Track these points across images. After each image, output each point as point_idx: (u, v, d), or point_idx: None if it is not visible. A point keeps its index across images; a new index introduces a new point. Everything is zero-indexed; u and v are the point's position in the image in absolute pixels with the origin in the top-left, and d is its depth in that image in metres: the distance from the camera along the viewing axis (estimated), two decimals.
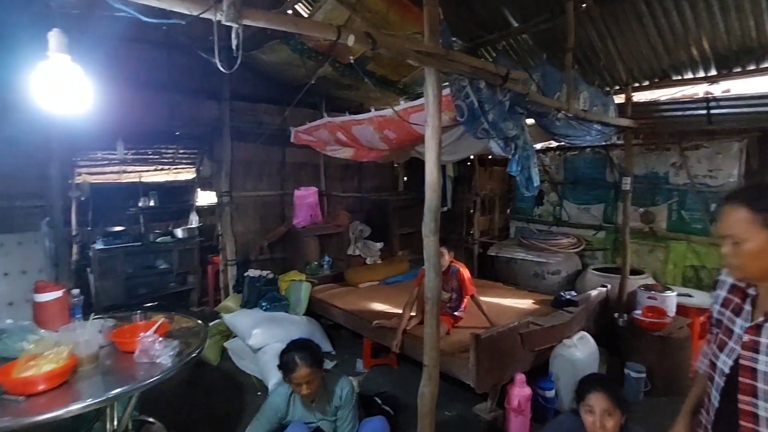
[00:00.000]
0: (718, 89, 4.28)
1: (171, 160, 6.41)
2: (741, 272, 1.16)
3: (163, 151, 6.14)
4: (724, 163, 4.14)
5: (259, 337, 3.56)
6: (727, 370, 1.17)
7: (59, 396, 1.75)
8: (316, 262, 5.16)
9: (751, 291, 1.19)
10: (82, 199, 5.31)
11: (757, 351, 1.11)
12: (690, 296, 3.76)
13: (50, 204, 3.75)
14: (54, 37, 1.27)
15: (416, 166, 6.22)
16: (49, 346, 1.91)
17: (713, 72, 4.16)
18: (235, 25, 1.45)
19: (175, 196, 6.65)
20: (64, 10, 1.23)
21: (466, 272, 3.34)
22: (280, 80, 4.90)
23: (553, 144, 5.21)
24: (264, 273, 4.38)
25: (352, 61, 3.86)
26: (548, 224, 5.54)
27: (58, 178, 3.79)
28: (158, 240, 5.79)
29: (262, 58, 4.37)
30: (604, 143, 4.68)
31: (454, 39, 4.89)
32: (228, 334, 4.02)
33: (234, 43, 1.47)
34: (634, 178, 4.30)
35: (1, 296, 3.42)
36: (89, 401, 1.73)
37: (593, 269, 4.49)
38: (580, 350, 2.98)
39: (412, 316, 3.31)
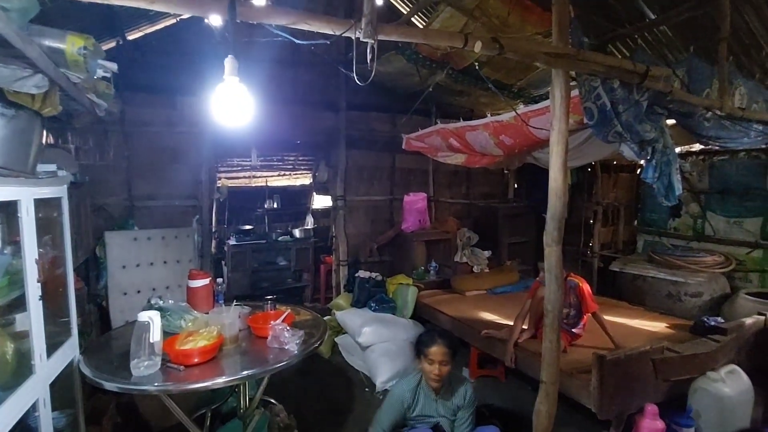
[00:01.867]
0: None
1: (292, 166, 7.06)
2: None
3: (286, 157, 6.78)
4: None
5: (368, 336, 3.71)
6: None
7: (209, 369, 2.02)
8: (422, 267, 5.21)
9: None
10: (221, 200, 6.11)
11: None
12: None
13: (200, 204, 4.40)
14: (229, 62, 1.50)
15: (529, 173, 5.96)
16: (202, 325, 2.22)
17: None
18: (371, 41, 1.54)
19: (295, 200, 7.30)
20: (236, 38, 1.43)
21: (586, 287, 3.08)
22: (391, 89, 5.07)
23: (696, 147, 4.57)
24: (373, 275, 4.55)
25: (475, 66, 3.84)
26: (686, 239, 4.85)
27: (206, 182, 4.44)
28: (279, 239, 6.41)
29: (378, 69, 4.57)
30: (765, 146, 3.97)
31: (584, 38, 4.62)
32: (338, 329, 4.25)
33: (369, 57, 1.57)
34: None
35: (161, 280, 4.07)
36: (231, 377, 1.97)
37: (746, 293, 3.82)
38: (729, 386, 2.55)
39: (523, 329, 3.16)
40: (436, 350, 2.16)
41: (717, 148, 3.87)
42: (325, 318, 4.34)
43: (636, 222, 5.48)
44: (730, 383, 2.57)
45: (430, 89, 4.85)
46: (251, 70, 2.42)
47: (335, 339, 4.24)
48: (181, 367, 1.98)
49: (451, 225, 5.30)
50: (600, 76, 2.10)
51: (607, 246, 5.41)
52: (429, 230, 5.30)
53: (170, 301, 2.60)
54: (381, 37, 1.58)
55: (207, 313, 2.44)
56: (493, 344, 3.28)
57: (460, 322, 3.80)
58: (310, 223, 7.19)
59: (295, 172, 7.26)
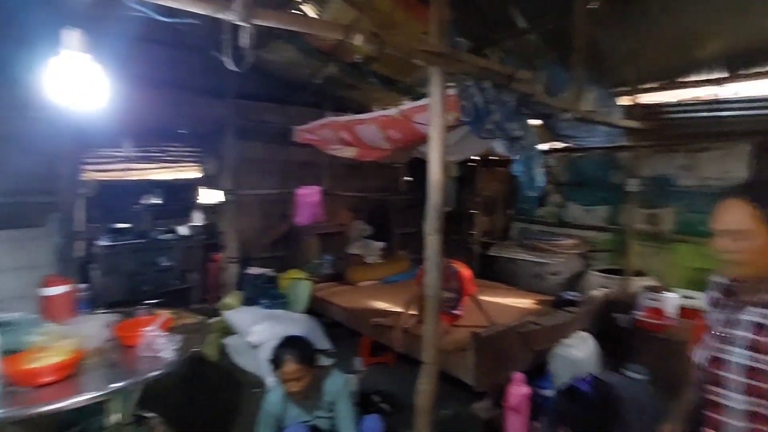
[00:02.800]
0: (726, 91, 4.27)
1: (176, 158, 6.46)
2: (739, 268, 1.17)
3: (168, 149, 6.18)
4: (733, 165, 4.12)
5: (258, 334, 3.58)
6: (705, 364, 1.21)
7: (65, 388, 1.77)
8: (317, 261, 5.18)
9: (733, 287, 1.22)
10: (89, 196, 5.35)
11: (729, 343, 1.14)
12: (694, 299, 3.75)
13: (59, 200, 3.79)
14: (68, 34, 1.29)
15: (419, 167, 6.23)
16: (56, 339, 1.93)
17: (722, 74, 4.14)
18: (246, 25, 1.46)
19: (180, 194, 6.67)
20: (81, 8, 1.24)
21: (466, 272, 3.35)
22: (284, 79, 4.92)
23: (559, 145, 5.20)
24: (265, 271, 4.41)
25: (359, 60, 3.87)
26: (551, 225, 5.54)
27: (68, 175, 3.84)
28: (162, 237, 5.82)
29: (267, 58, 4.39)
30: (610, 145, 4.67)
31: (460, 39, 4.93)
32: (228, 331, 4.04)
33: (244, 42, 1.48)
34: (640, 180, 4.30)
35: (11, 290, 3.45)
36: (93, 394, 1.75)
37: (595, 270, 4.49)
38: (580, 350, 2.99)
39: (412, 315, 3.32)
40: (287, 370, 2.11)
41: (573, 145, 4.44)
42: (213, 319, 4.12)
43: (511, 211, 6.10)
44: (581, 348, 3.01)
45: (322, 82, 4.80)
46: (112, 48, 2.14)
47: (223, 341, 4.02)
48: (28, 389, 1.71)
49: (345, 218, 5.35)
50: (473, 76, 2.27)
51: (487, 234, 5.93)
52: (323, 223, 5.28)
53: (16, 314, 2.23)
54: (257, 22, 1.50)
55: (65, 325, 2.14)
56: (383, 332, 3.40)
57: (352, 312, 3.87)
58: (198, 219, 6.66)
59: (180, 165, 6.66)
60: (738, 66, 4.00)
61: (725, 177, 4.13)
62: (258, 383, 3.45)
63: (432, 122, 2.09)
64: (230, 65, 1.47)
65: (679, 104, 4.44)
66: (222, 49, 1.47)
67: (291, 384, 2.11)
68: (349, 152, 4.55)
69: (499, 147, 2.72)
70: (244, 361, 3.78)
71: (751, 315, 1.14)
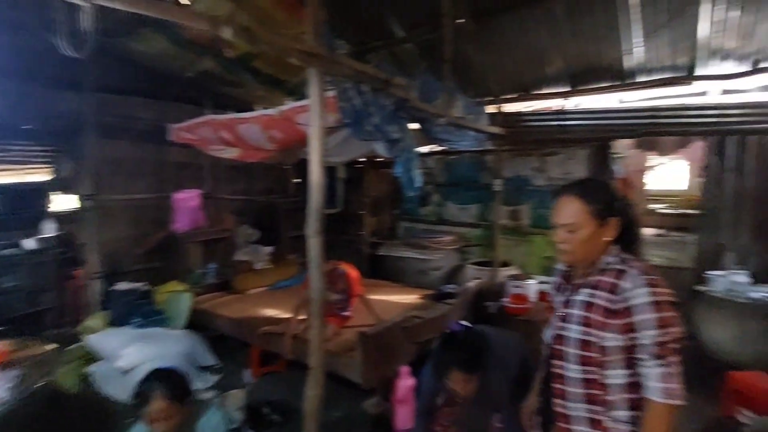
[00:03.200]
0: (570, 103, 5.00)
1: (20, 159, 5.44)
2: (571, 257, 1.36)
3: (10, 147, 5.19)
4: (574, 167, 4.83)
5: (130, 358, 3.21)
6: (550, 341, 1.40)
7: None
8: (199, 270, 4.81)
9: (569, 273, 1.43)
10: None
11: (567, 321, 1.34)
12: (549, 284, 4.31)
13: None
14: None
15: (308, 168, 6.15)
16: None
17: (566, 88, 4.84)
18: (83, 4, 1.28)
19: (26, 201, 5.65)
20: None
21: (353, 273, 3.40)
22: (157, 72, 4.47)
23: (436, 148, 5.57)
24: (137, 286, 3.96)
25: (236, 56, 3.69)
26: (432, 224, 5.91)
27: None
28: (2, 253, 4.86)
29: (134, 48, 3.94)
30: (478, 149, 5.15)
31: (341, 42, 4.98)
32: (92, 357, 3.54)
33: (84, 24, 1.31)
34: (503, 180, 4.81)
35: None
36: None
37: (470, 264, 4.90)
38: None
39: (301, 320, 3.27)
40: (154, 408, 1.78)
41: (447, 148, 4.80)
42: (72, 346, 3.57)
43: (397, 211, 6.37)
44: None
45: (201, 77, 4.48)
46: None
47: (87, 369, 3.50)
48: None
49: (229, 222, 5.06)
50: (351, 79, 2.31)
51: (376, 234, 6.11)
52: (205, 229, 4.91)
53: None
54: (101, 2, 1.33)
55: None
56: (273, 339, 3.29)
57: (240, 323, 3.67)
58: (49, 230, 5.70)
59: (25, 166, 5.63)
60: (578, 82, 4.71)
61: (568, 177, 4.82)
62: (130, 413, 3.08)
63: (312, 123, 2.08)
64: (67, 50, 1.28)
65: (533, 113, 5.09)
66: (55, 31, 1.27)
67: (158, 424, 1.79)
68: (231, 153, 4.30)
69: (380, 149, 2.81)
70: (114, 389, 3.33)
71: (582, 295, 1.33)
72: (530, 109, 5.19)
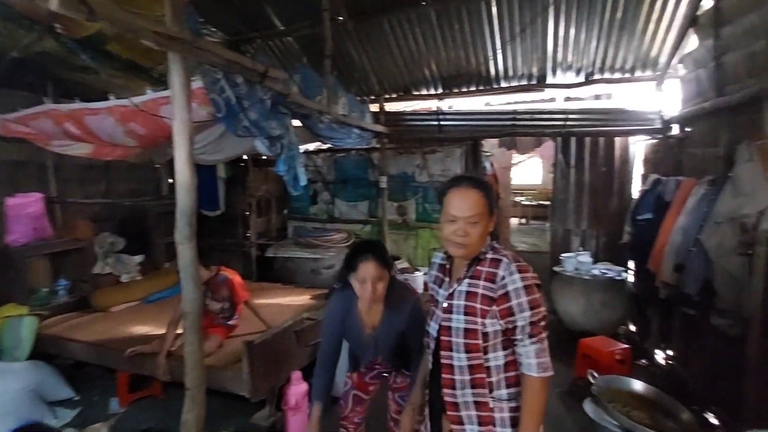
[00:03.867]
0: (445, 105, 5.33)
1: None
2: (469, 249, 1.37)
3: None
4: (451, 165, 5.17)
5: None
6: (435, 334, 1.44)
7: None
8: (46, 289, 4.05)
9: (449, 265, 1.48)
10: None
11: (451, 312, 1.39)
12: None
13: None
14: None
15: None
16: None
17: (440, 90, 5.15)
18: None
19: None
20: None
21: (237, 279, 3.18)
22: None
23: (324, 146, 5.50)
24: None
25: (80, 37, 3.16)
26: (322, 222, 5.84)
27: None
28: None
29: None
30: (365, 146, 5.21)
31: (213, 29, 4.62)
32: None
33: None
34: (389, 177, 4.95)
35: None
36: None
37: None
38: None
39: (178, 335, 2.94)
40: None
41: (333, 146, 4.76)
42: None
43: (286, 211, 6.16)
44: None
45: (38, 59, 3.75)
46: None
47: None
48: None
49: (84, 230, 4.34)
50: (221, 68, 2.12)
51: (264, 235, 5.82)
52: (52, 240, 4.15)
53: None
54: None
55: None
56: (144, 361, 2.91)
57: (100, 347, 3.18)
58: None
59: None
60: (451, 84, 5.05)
61: (446, 174, 5.15)
62: None
63: (176, 116, 1.85)
64: None
65: (413, 113, 5.32)
66: None
67: None
68: (81, 149, 3.68)
69: (260, 146, 2.65)
70: None
71: (464, 286, 1.39)
72: (410, 108, 5.41)
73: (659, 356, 3.77)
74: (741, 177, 2.38)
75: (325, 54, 3.40)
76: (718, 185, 2.62)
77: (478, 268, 1.38)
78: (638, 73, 4.33)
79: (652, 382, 2.86)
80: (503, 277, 1.33)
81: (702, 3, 3.33)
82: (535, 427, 1.32)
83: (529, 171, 10.99)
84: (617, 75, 4.42)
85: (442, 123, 5.10)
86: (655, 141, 4.23)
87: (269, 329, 2.94)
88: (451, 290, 1.42)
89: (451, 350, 1.39)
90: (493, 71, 4.70)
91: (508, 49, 4.39)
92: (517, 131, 4.84)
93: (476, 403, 1.37)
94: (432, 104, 5.36)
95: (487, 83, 4.87)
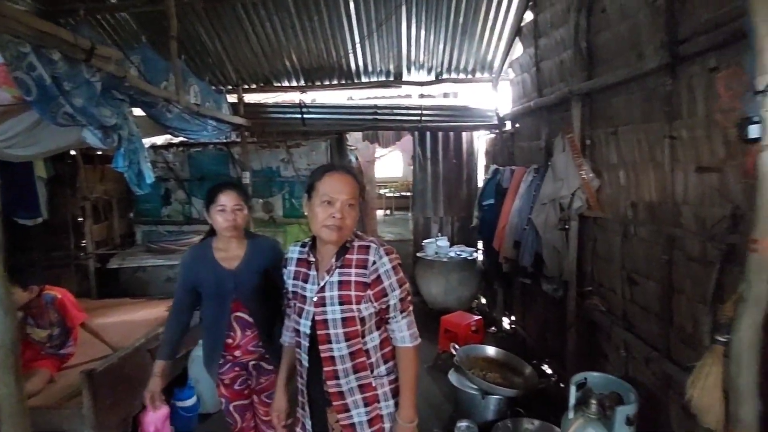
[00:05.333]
0: (309, 98, 5.26)
1: None
2: (342, 232, 1.36)
3: None
4: (317, 159, 5.13)
5: None
6: (308, 331, 1.41)
7: None
8: None
9: (312, 258, 1.46)
10: None
11: (324, 305, 1.38)
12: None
13: None
14: None
15: None
16: None
17: (304, 83, 5.06)
18: None
19: None
20: None
21: (68, 298, 2.67)
22: None
23: (177, 140, 4.94)
24: None
25: None
26: (179, 224, 5.27)
27: None
28: None
29: None
30: (223, 140, 4.85)
31: None
32: None
33: None
34: (252, 173, 4.69)
35: None
36: None
37: None
38: None
39: None
40: None
41: (186, 139, 4.30)
42: None
43: (132, 214, 5.38)
44: None
45: None
46: None
47: None
48: None
49: None
50: (28, 40, 1.73)
51: (103, 243, 4.99)
52: None
53: None
54: None
55: None
56: None
57: None
58: None
59: None
60: (313, 77, 5.00)
61: (312, 168, 5.09)
62: None
63: None
64: None
65: (275, 105, 5.14)
66: None
67: None
68: None
69: (91, 137, 2.25)
70: None
71: (336, 276, 1.38)
72: (272, 101, 5.21)
73: (505, 322, 4.36)
74: (557, 165, 2.87)
75: (170, 35, 3.03)
76: (541, 172, 3.12)
77: (348, 256, 1.40)
78: (478, 75, 4.89)
79: (501, 346, 3.30)
80: (374, 262, 1.37)
81: (525, 15, 3.89)
82: (414, 391, 1.44)
83: (391, 164, 11.60)
84: (462, 75, 4.92)
85: (305, 116, 5.03)
86: (493, 135, 4.83)
87: (116, 352, 2.53)
88: (322, 283, 1.40)
89: (330, 342, 1.38)
90: (354, 66, 4.79)
91: (366, 45, 4.52)
92: (379, 125, 5.04)
93: (360, 386, 1.40)
94: (295, 97, 5.24)
95: (348, 77, 4.96)
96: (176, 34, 3.10)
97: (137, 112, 2.73)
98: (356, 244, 1.41)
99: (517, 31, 4.08)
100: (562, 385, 2.91)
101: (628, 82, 2.30)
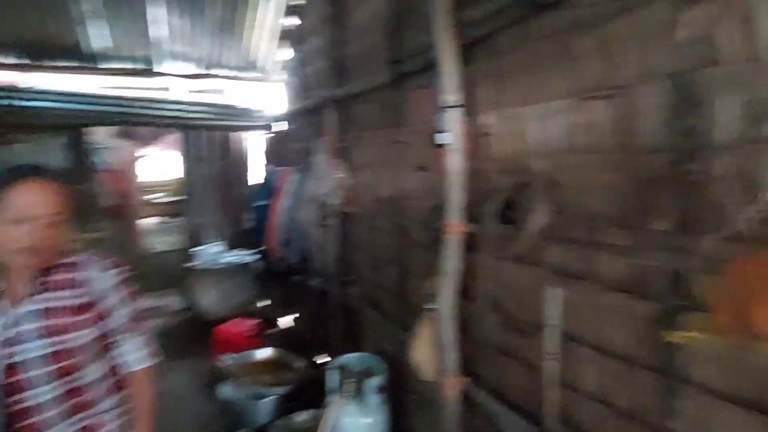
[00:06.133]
0: (28, 81, 4.13)
1: None
2: (43, 255, 1.09)
3: None
4: (50, 158, 4.07)
5: None
6: (4, 376, 1.09)
7: None
8: None
9: (2, 286, 1.14)
10: None
11: (23, 342, 1.09)
12: None
13: None
14: None
15: None
16: None
17: (23, 61, 3.96)
18: None
19: None
20: None
21: None
22: None
23: None
24: None
25: None
26: None
27: None
28: None
29: None
30: None
31: None
32: None
33: None
34: None
35: None
36: None
37: None
38: None
39: None
40: None
41: None
42: None
43: None
44: None
45: None
46: None
47: None
48: None
49: None
50: None
51: None
52: None
53: None
54: None
55: None
56: None
57: None
58: None
59: None
60: (38, 56, 3.98)
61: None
62: None
63: None
64: None
65: None
66: None
67: None
68: None
69: None
70: None
71: (34, 305, 1.10)
72: None
73: (286, 321, 4.41)
74: (317, 165, 3.04)
75: None
76: (305, 172, 3.26)
77: (53, 279, 1.14)
78: (246, 74, 4.76)
79: (280, 345, 3.30)
80: (91, 279, 1.16)
81: (292, 20, 3.97)
82: (152, 417, 1.28)
83: (162, 165, 10.30)
84: (229, 72, 4.71)
85: (21, 104, 3.93)
86: (270, 135, 4.80)
87: None
88: (12, 317, 1.09)
89: (33, 388, 1.09)
90: (90, 46, 4.01)
91: (106, 26, 3.84)
92: (129, 120, 4.34)
93: (80, 430, 1.16)
94: (5, 78, 4.05)
95: (83, 60, 4.12)
96: None
97: None
98: (64, 260, 1.16)
99: (285, 34, 4.14)
100: None
101: (368, 92, 2.60)
